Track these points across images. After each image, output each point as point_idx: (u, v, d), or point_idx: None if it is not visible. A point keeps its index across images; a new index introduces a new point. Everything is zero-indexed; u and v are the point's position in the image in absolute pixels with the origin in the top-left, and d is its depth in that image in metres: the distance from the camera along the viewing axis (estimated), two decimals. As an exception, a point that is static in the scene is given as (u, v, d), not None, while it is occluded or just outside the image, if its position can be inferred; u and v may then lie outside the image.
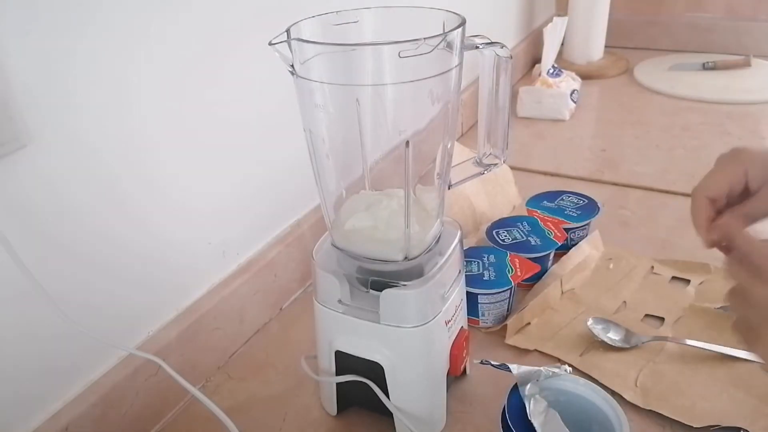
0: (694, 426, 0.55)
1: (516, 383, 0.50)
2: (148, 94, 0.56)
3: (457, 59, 0.47)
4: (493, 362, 0.52)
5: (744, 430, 0.54)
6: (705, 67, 1.48)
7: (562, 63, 1.40)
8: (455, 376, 0.59)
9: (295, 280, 0.78)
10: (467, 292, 0.61)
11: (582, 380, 0.51)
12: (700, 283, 0.74)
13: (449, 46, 0.45)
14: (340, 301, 0.53)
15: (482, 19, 1.26)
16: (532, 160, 1.11)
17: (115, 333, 0.56)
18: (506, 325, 0.68)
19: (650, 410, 0.58)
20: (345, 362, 0.55)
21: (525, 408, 0.48)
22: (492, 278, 0.68)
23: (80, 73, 0.49)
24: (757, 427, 0.54)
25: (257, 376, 0.66)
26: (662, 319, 0.69)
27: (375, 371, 0.53)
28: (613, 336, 0.65)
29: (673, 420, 0.56)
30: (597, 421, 0.49)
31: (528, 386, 0.49)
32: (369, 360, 0.53)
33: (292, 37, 0.45)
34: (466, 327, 0.60)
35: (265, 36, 0.44)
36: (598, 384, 0.58)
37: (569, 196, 0.86)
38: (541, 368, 0.51)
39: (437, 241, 0.54)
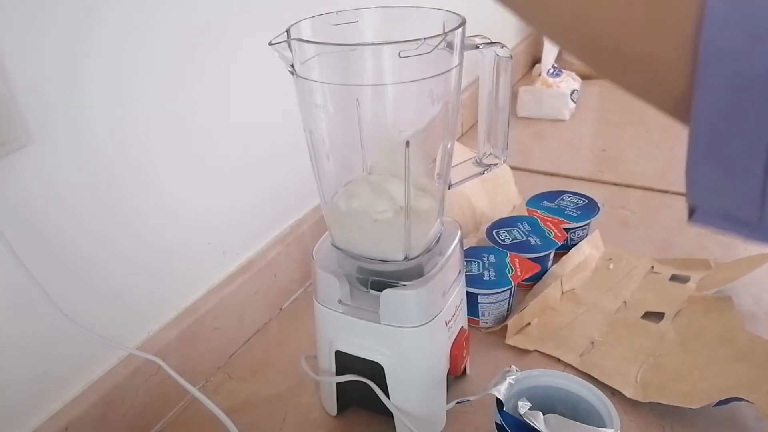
0: (694, 407, 0.55)
1: (497, 400, 0.50)
2: (149, 95, 0.56)
3: (457, 59, 0.47)
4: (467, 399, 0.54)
5: (744, 400, 0.54)
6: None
7: (562, 63, 1.40)
8: (455, 376, 0.59)
9: (295, 280, 0.78)
10: (467, 292, 0.61)
11: (551, 371, 0.52)
12: (701, 279, 0.74)
13: (449, 46, 0.45)
14: (340, 301, 0.53)
15: (482, 19, 1.25)
16: (532, 160, 1.11)
17: (115, 333, 0.56)
18: (506, 325, 0.68)
19: (651, 409, 0.57)
20: (345, 362, 0.55)
21: (516, 419, 0.47)
22: (492, 278, 0.68)
23: (81, 74, 0.49)
24: (758, 394, 0.54)
25: (257, 376, 0.66)
26: (662, 314, 0.69)
27: (375, 371, 0.53)
28: None
29: (674, 414, 0.56)
30: (569, 403, 0.51)
31: (512, 402, 0.49)
32: (369, 360, 0.53)
33: (292, 37, 0.45)
34: (466, 327, 0.60)
35: (265, 36, 0.44)
36: (598, 383, 0.58)
37: (569, 196, 0.86)
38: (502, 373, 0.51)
39: (437, 241, 0.54)
